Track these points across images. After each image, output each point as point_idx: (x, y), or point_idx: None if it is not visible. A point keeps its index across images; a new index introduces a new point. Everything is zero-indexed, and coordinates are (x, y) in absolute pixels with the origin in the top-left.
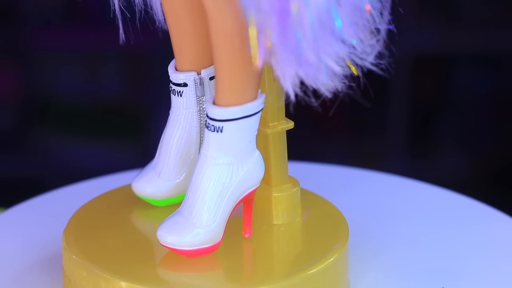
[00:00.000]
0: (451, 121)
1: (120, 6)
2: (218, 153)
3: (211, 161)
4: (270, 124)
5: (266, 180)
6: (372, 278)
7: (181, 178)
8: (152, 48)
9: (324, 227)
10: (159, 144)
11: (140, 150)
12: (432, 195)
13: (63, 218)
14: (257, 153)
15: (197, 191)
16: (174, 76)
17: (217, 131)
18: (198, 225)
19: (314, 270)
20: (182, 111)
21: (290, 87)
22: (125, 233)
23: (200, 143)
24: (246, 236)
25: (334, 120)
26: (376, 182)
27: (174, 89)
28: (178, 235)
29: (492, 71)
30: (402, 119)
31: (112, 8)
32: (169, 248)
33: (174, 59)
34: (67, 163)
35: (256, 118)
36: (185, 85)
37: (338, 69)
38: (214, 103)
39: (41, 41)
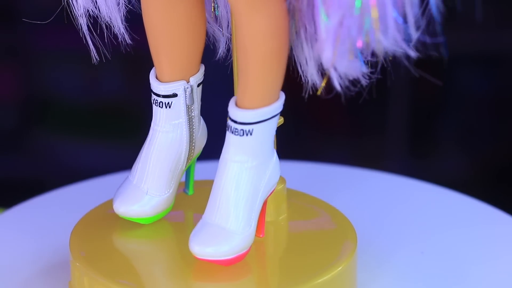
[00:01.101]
0: (451, 121)
1: (87, 25)
2: (246, 157)
3: (239, 166)
4: None
5: None
6: (379, 284)
7: (171, 191)
8: None
9: (332, 234)
10: (139, 160)
11: (139, 150)
12: (435, 195)
13: (63, 218)
14: (275, 152)
15: (229, 198)
16: (162, 87)
17: (247, 135)
18: (236, 232)
19: (323, 279)
20: (170, 122)
21: (337, 79)
22: (134, 242)
23: (190, 153)
24: (261, 236)
25: (334, 120)
26: (377, 182)
27: (161, 101)
28: (217, 245)
29: (492, 70)
30: (402, 119)
31: (78, 29)
32: (207, 260)
33: (153, 69)
34: (67, 163)
35: (278, 117)
36: (174, 95)
37: (414, 54)
38: (238, 106)
39: (41, 41)
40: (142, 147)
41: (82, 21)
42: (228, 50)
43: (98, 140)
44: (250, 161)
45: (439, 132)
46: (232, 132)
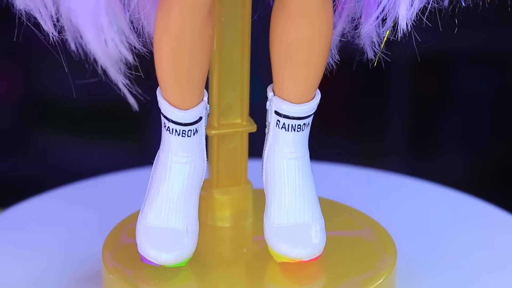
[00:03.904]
0: (452, 121)
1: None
2: (303, 151)
3: (298, 161)
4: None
5: (245, 180)
6: None
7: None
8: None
9: (371, 246)
10: (163, 200)
11: (140, 149)
12: (438, 195)
13: (62, 219)
14: None
15: (304, 194)
16: (190, 114)
17: (306, 127)
18: (318, 224)
19: None
20: (196, 149)
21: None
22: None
23: None
24: None
25: (335, 119)
26: (378, 181)
27: (189, 130)
28: (314, 243)
29: (493, 70)
30: (403, 119)
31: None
32: (304, 261)
33: (162, 99)
34: (67, 163)
35: None
36: (200, 119)
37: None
38: (293, 102)
39: (40, 41)
40: (154, 185)
41: (121, 81)
42: None
43: (97, 140)
44: (304, 155)
45: (440, 132)
46: (294, 130)
